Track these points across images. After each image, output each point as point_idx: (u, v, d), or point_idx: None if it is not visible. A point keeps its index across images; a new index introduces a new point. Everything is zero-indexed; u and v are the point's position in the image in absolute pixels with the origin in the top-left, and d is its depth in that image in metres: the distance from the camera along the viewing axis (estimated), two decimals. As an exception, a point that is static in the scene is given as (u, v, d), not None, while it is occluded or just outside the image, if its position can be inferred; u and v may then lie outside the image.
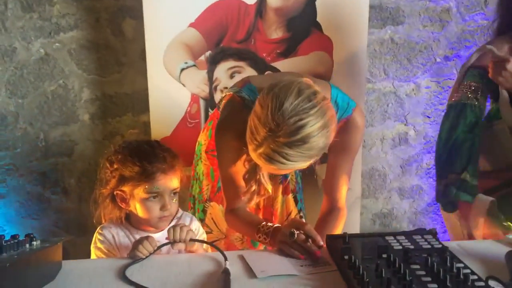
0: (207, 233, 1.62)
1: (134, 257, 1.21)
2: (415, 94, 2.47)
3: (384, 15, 2.36)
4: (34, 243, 1.05)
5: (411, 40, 2.40)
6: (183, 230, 1.27)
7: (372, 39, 2.36)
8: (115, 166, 1.39)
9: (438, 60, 2.44)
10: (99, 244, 1.40)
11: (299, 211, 1.74)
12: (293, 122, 1.14)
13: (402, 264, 1.03)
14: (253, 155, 1.23)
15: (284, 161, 1.17)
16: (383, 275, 1.00)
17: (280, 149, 1.15)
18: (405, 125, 2.51)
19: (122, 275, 1.12)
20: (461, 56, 2.42)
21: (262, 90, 1.23)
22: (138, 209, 1.38)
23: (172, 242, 1.26)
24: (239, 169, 1.43)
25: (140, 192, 1.35)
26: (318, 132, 1.16)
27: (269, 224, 1.35)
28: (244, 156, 1.39)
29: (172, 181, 1.38)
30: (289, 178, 1.68)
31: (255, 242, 1.61)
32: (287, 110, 1.14)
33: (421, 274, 1.02)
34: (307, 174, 1.86)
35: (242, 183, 1.45)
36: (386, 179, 2.57)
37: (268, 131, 1.16)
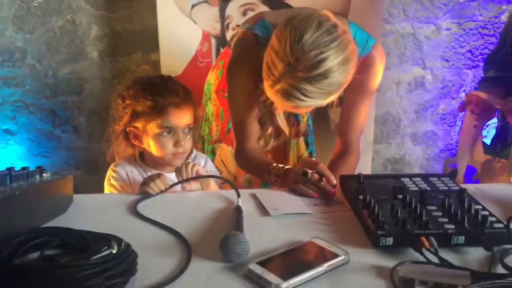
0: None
1: (144, 193, 1.20)
2: (434, 36, 2.37)
3: (406, -50, 2.23)
4: (45, 175, 1.04)
5: (433, -21, 2.29)
6: (188, 166, 1.25)
7: (393, -23, 2.25)
8: (127, 101, 1.36)
9: (460, 0, 2.33)
10: (112, 181, 1.39)
11: (310, 154, 1.71)
12: (314, 56, 1.08)
13: (418, 205, 1.01)
14: (270, 92, 1.19)
15: (303, 97, 1.13)
16: (399, 215, 0.98)
17: (299, 85, 1.11)
18: (422, 68, 2.43)
19: (133, 209, 1.11)
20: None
21: (279, 24, 1.17)
22: (151, 145, 1.36)
23: (183, 181, 1.24)
24: (251, 109, 1.39)
25: (153, 127, 1.33)
26: (339, 67, 1.11)
27: (280, 165, 1.33)
28: (257, 97, 1.34)
29: (185, 116, 1.35)
30: (300, 120, 1.64)
31: (265, 183, 1.60)
32: (307, 43, 1.08)
33: (437, 215, 1.00)
34: (318, 117, 1.82)
35: (253, 124, 1.41)
36: (400, 124, 2.52)
37: (286, 65, 1.11)
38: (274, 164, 1.33)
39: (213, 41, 2.12)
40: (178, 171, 1.26)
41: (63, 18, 2.24)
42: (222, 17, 2.07)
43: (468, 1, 2.33)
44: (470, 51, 2.39)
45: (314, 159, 1.33)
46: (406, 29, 2.35)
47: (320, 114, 2.05)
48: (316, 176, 1.19)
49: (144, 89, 1.35)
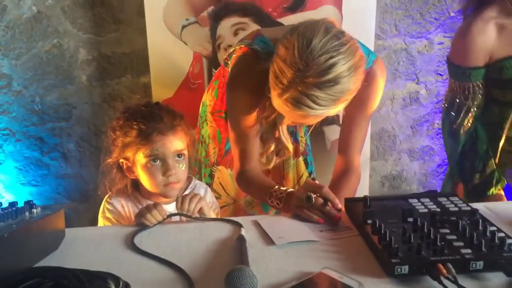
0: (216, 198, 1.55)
1: (140, 225, 1.14)
2: (427, 51, 2.36)
3: (396, -34, 2.23)
4: (34, 210, 0.98)
5: (424, -7, 2.28)
6: (192, 201, 1.19)
7: (383, -7, 2.24)
8: (117, 132, 1.31)
9: (452, 14, 2.32)
10: (107, 214, 1.33)
11: (310, 173, 1.67)
12: (324, 61, 1.05)
13: (431, 229, 0.96)
14: (278, 102, 1.14)
15: (313, 105, 1.08)
16: (412, 241, 0.93)
17: (309, 91, 1.07)
18: (416, 83, 2.41)
19: (130, 243, 1.05)
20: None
21: (284, 33, 1.14)
22: (141, 177, 1.30)
23: (181, 214, 1.18)
24: (253, 127, 1.34)
25: (140, 157, 1.27)
26: (349, 72, 1.07)
27: (282, 188, 1.28)
28: (258, 114, 1.30)
29: (173, 142, 1.29)
30: (299, 140, 1.60)
31: (265, 206, 1.54)
32: (316, 47, 1.05)
33: (452, 239, 0.95)
34: (315, 137, 1.79)
35: (254, 142, 1.37)
36: (395, 140, 2.49)
37: (296, 72, 1.06)
38: (276, 187, 1.28)
39: (204, 62, 2.08)
40: (179, 203, 1.19)
41: (49, 42, 2.19)
42: (213, 37, 2.04)
43: (459, 15, 2.32)
44: (463, 64, 2.38)
45: (317, 182, 1.28)
46: (398, 44, 2.33)
47: (317, 133, 2.02)
48: (321, 200, 1.14)
49: (130, 118, 1.29)
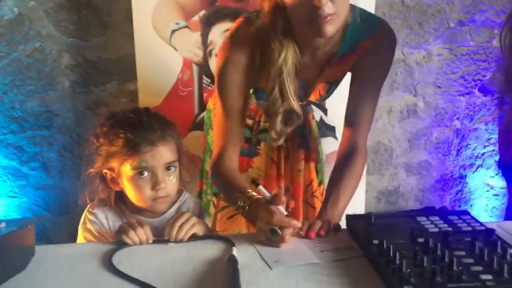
0: (222, 208, 1.46)
1: (121, 242, 1.02)
2: (426, 62, 2.29)
3: (395, -26, 2.16)
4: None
5: (423, 3, 2.21)
6: (183, 228, 1.04)
7: (381, 1, 2.17)
8: (101, 140, 1.19)
9: (451, 25, 2.26)
10: (89, 225, 1.21)
11: (320, 183, 1.57)
12: None
13: (445, 251, 0.86)
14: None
15: None
16: (424, 264, 0.83)
17: None
18: (414, 96, 2.34)
19: (108, 262, 0.94)
20: (476, 20, 2.24)
21: None
22: (127, 190, 1.18)
23: (169, 241, 1.04)
24: (241, 107, 1.24)
25: (126, 169, 1.15)
26: None
27: (250, 193, 1.13)
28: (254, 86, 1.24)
29: (163, 154, 1.18)
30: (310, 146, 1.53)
31: None
32: None
33: (468, 262, 0.85)
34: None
35: (239, 128, 1.26)
36: (392, 154, 2.41)
37: None
38: (247, 191, 1.14)
39: (195, 68, 1.98)
40: (168, 230, 1.05)
41: (31, 46, 2.07)
42: (205, 43, 1.94)
43: (459, 26, 2.26)
44: (462, 77, 2.31)
45: (273, 209, 1.03)
46: (396, 55, 2.25)
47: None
48: (288, 230, 0.99)
49: (116, 125, 1.18)
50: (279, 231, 0.97)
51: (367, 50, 1.21)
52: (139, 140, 1.15)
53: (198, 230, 1.07)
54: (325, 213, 1.20)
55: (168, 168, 1.19)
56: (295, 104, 1.21)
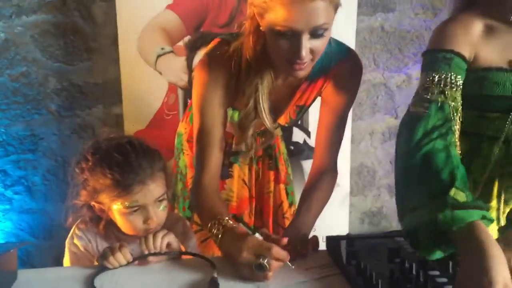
0: (196, 231, 1.44)
1: (103, 266, 1.03)
2: (406, 85, 2.34)
3: (374, 1, 2.23)
4: (-19, 250, 0.87)
5: (402, 29, 2.28)
6: (157, 238, 1.06)
7: (362, 27, 2.23)
8: (86, 174, 1.16)
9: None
10: (76, 240, 1.20)
11: (290, 204, 1.59)
12: None
13: (420, 272, 0.89)
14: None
15: None
16: (399, 285, 0.86)
17: None
18: (395, 118, 2.38)
19: (90, 286, 0.95)
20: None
21: None
22: (118, 222, 1.17)
23: (149, 254, 1.06)
24: (224, 122, 1.24)
25: (118, 207, 1.15)
26: None
27: (225, 222, 1.10)
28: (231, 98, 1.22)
29: (154, 191, 1.16)
30: (280, 168, 1.55)
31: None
32: None
33: (442, 281, 0.88)
34: (293, 169, 1.71)
35: (218, 145, 1.23)
36: (375, 176, 2.44)
37: None
38: (226, 218, 1.11)
39: (180, 92, 2.01)
40: (143, 243, 1.07)
41: (17, 71, 2.09)
42: (190, 67, 1.98)
43: (437, 51, 2.33)
44: (441, 100, 2.37)
45: (266, 236, 1.09)
46: (377, 79, 2.32)
47: (294, 166, 1.95)
48: (276, 263, 0.97)
49: (102, 164, 1.15)
50: (267, 265, 0.94)
51: (337, 76, 1.25)
52: (130, 181, 1.13)
53: (172, 239, 1.09)
54: (298, 218, 1.22)
55: (159, 200, 1.18)
56: (268, 122, 1.22)
